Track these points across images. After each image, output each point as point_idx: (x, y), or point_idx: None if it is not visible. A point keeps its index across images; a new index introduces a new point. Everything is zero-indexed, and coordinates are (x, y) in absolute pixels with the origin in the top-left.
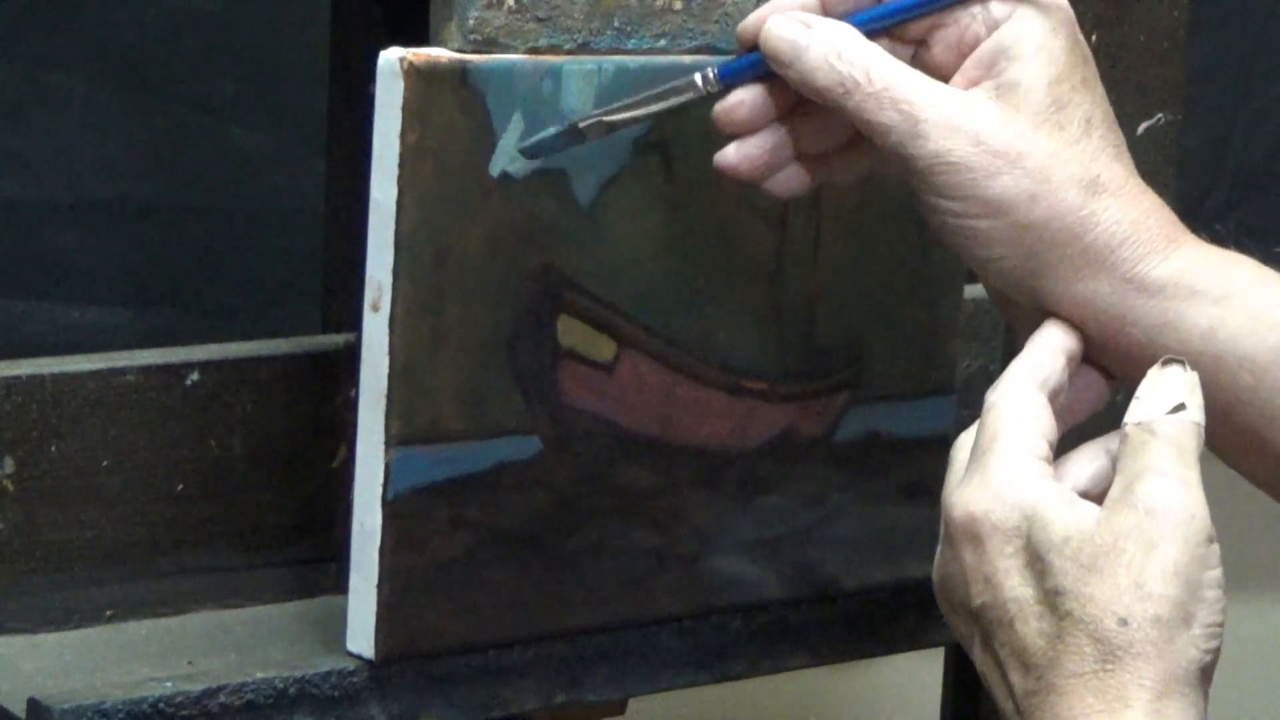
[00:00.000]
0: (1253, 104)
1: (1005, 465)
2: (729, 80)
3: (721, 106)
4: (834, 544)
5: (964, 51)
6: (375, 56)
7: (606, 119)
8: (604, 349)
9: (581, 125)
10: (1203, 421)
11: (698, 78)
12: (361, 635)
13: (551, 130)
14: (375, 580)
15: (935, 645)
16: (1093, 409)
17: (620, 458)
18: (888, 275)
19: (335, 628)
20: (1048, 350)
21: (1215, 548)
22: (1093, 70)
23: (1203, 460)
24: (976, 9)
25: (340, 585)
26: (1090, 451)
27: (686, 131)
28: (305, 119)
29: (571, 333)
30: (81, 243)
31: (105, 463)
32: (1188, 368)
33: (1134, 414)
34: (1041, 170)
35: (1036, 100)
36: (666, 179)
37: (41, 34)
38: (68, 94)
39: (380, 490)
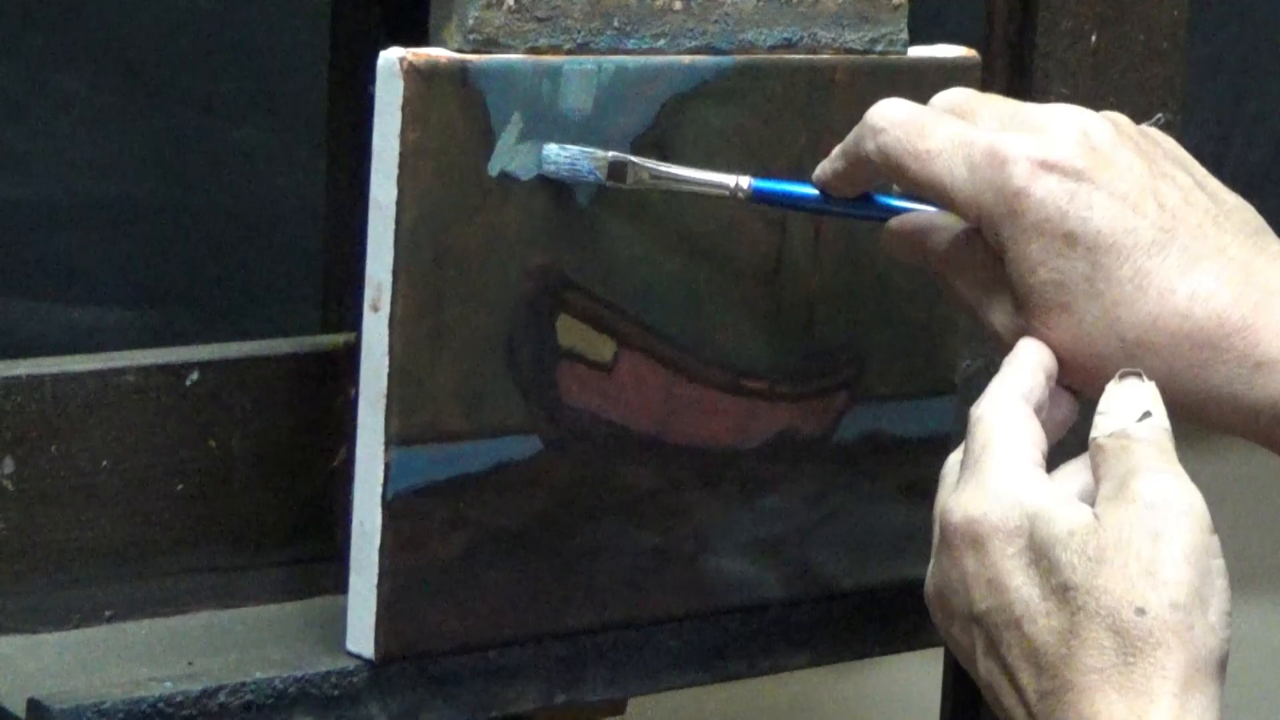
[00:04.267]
0: (1253, 104)
1: (1001, 468)
2: (762, 199)
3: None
4: (834, 544)
5: None
6: (375, 56)
7: (635, 161)
8: (604, 349)
9: (609, 187)
10: (1169, 427)
11: (730, 182)
12: (361, 635)
13: (583, 175)
14: (375, 580)
15: (935, 645)
16: (1065, 426)
17: (620, 458)
18: (888, 275)
19: (335, 628)
20: (1028, 367)
21: (1216, 539)
22: None
23: (1200, 460)
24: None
25: (340, 585)
26: (1073, 468)
27: (686, 131)
28: (305, 119)
29: (571, 332)
30: (81, 243)
31: (105, 463)
32: (1145, 378)
33: (1102, 427)
34: None
35: None
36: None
37: (41, 34)
38: (68, 94)
39: (380, 490)
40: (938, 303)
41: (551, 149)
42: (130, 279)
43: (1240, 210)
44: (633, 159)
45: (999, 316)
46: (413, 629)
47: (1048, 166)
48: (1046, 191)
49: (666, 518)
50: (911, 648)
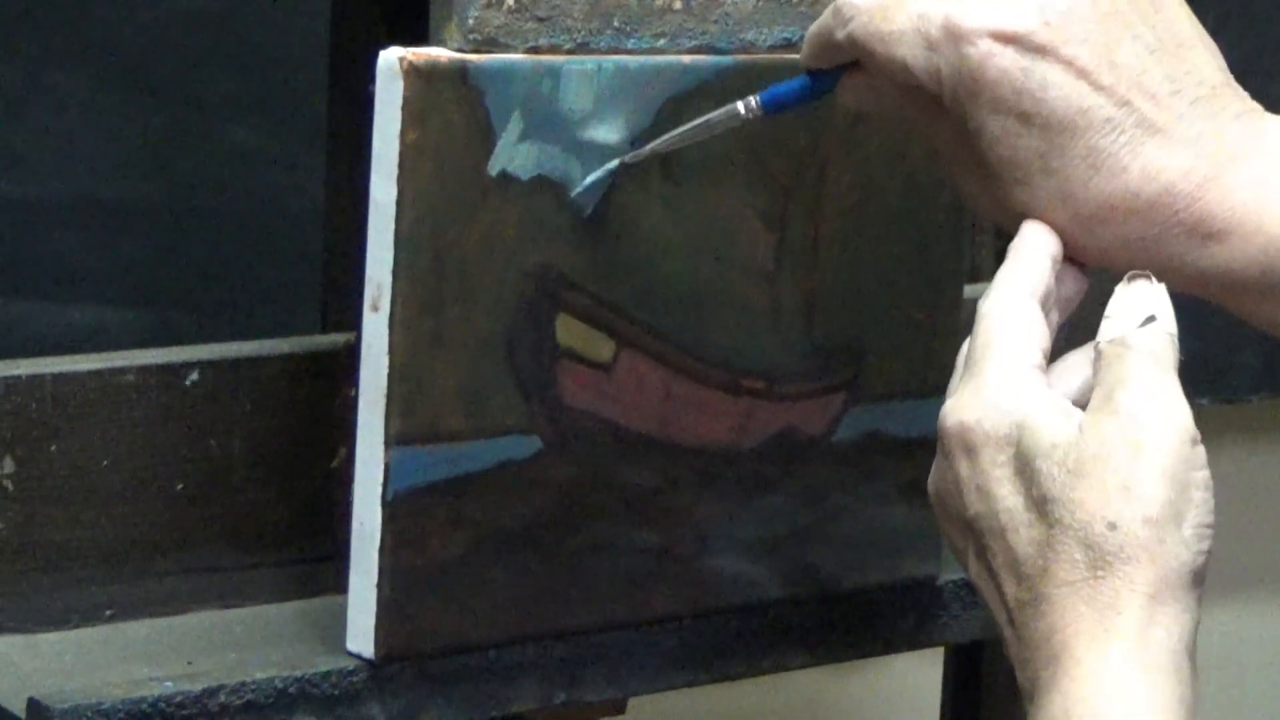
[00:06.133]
0: None
1: (998, 375)
2: (772, 106)
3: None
4: (834, 544)
5: None
6: (375, 56)
7: (655, 151)
8: (603, 349)
9: (630, 162)
10: (1175, 331)
11: (740, 107)
12: (361, 635)
13: (602, 173)
14: (375, 580)
15: (935, 645)
16: (1075, 301)
17: (620, 457)
18: (887, 275)
19: (335, 628)
20: (1035, 255)
21: (1201, 449)
22: None
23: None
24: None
25: (340, 585)
26: (1074, 359)
27: None
28: (305, 119)
29: (571, 332)
30: (81, 243)
31: (105, 463)
32: (1154, 280)
33: (1106, 332)
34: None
35: None
36: (666, 179)
37: (42, 34)
38: (68, 94)
39: (380, 490)
40: (938, 303)
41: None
42: (130, 279)
43: (1201, 68)
44: (648, 149)
45: (968, 183)
46: (413, 629)
47: (1004, 38)
48: (1001, 71)
49: (666, 517)
50: (911, 648)
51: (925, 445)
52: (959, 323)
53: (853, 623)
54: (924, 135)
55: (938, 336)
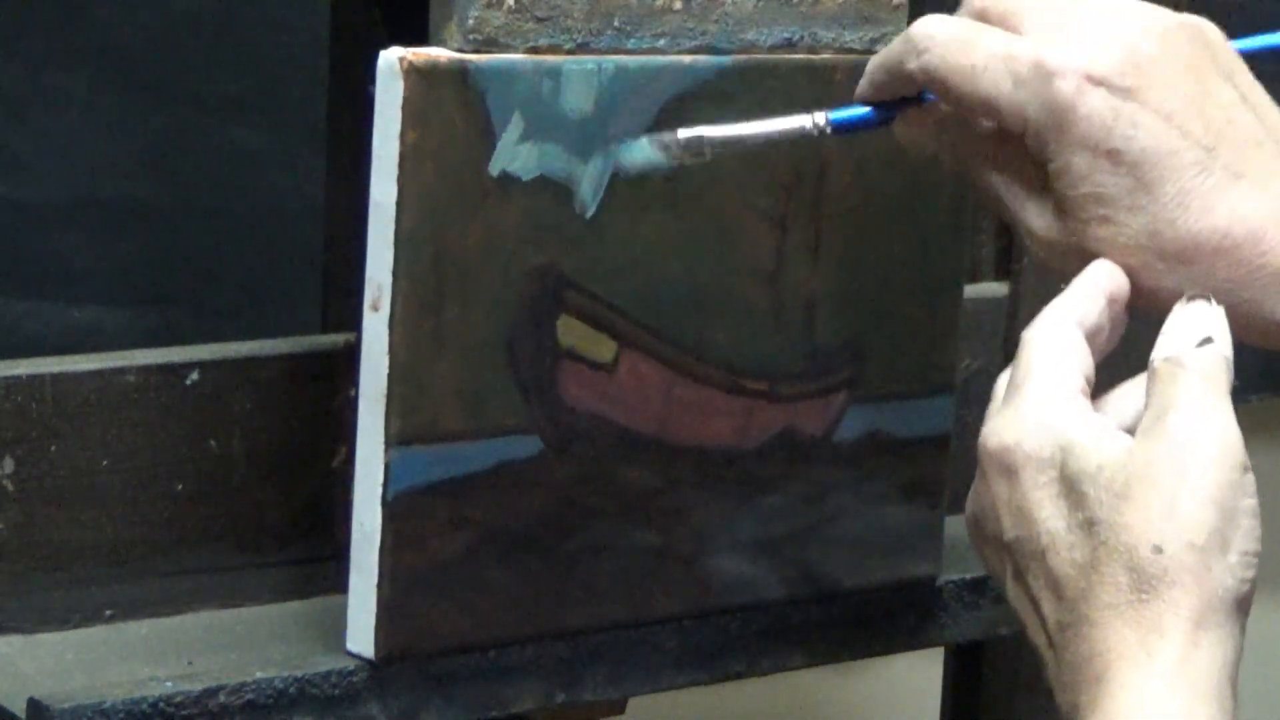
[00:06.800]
0: None
1: (1039, 397)
2: (842, 127)
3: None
4: (834, 544)
5: None
6: (375, 56)
7: (707, 135)
8: (604, 349)
9: (684, 138)
10: (1230, 355)
11: (809, 123)
12: (361, 635)
13: (653, 146)
14: (375, 580)
15: (935, 645)
16: (1113, 341)
17: (620, 458)
18: (887, 275)
19: (335, 628)
20: (1089, 289)
21: (1250, 477)
22: None
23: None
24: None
25: (340, 585)
26: (1129, 388)
27: None
28: (305, 119)
29: (571, 332)
30: (81, 243)
31: (105, 463)
32: (1213, 302)
33: (1161, 350)
34: None
35: None
36: (666, 179)
37: (41, 34)
38: (68, 94)
39: (380, 490)
40: (938, 303)
41: (629, 149)
42: (130, 279)
43: (1278, 126)
44: (704, 133)
45: (1036, 219)
46: (413, 629)
47: (1094, 80)
48: (1092, 108)
49: (666, 518)
50: (911, 648)
51: (925, 445)
52: (959, 323)
53: (853, 623)
54: (978, 176)
55: (938, 336)
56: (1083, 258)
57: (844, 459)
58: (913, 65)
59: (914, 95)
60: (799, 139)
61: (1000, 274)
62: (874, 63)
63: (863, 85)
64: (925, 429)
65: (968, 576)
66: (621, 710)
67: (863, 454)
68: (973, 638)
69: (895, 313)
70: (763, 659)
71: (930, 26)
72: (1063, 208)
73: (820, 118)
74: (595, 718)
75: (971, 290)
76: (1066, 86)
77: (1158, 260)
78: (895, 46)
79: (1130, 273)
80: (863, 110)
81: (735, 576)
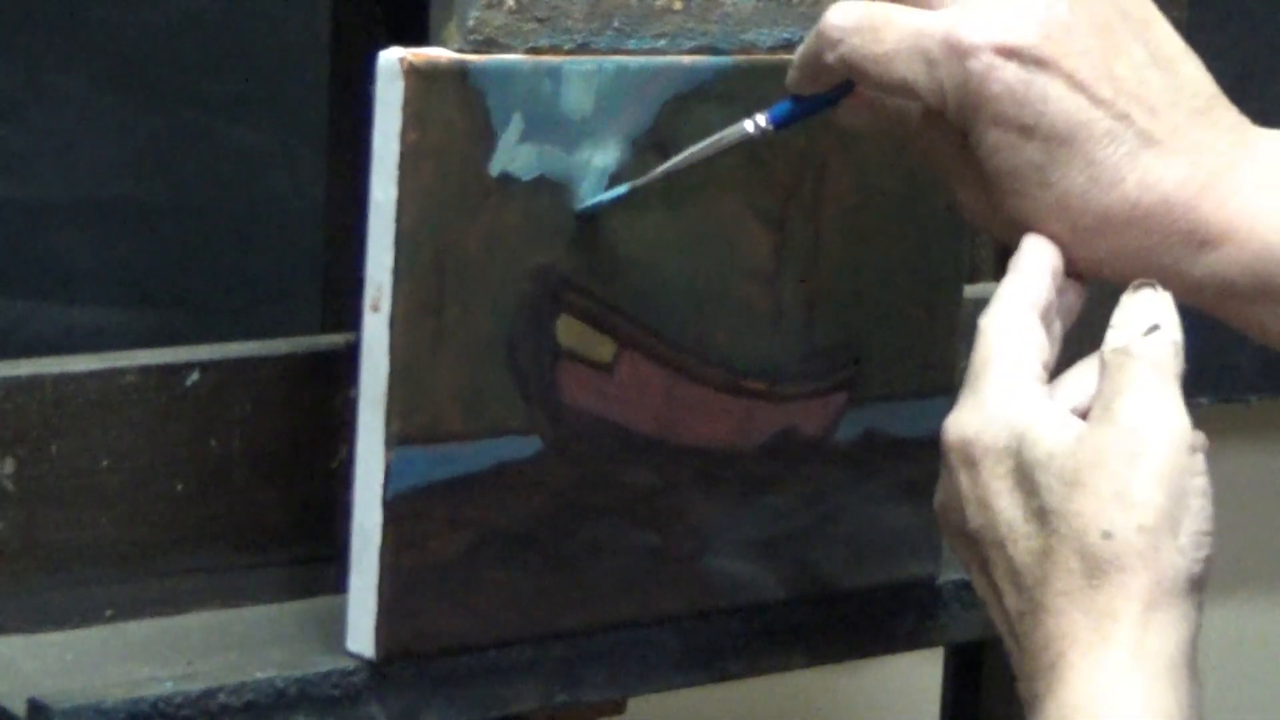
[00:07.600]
0: (1253, 104)
1: (997, 387)
2: (781, 123)
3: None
4: (834, 544)
5: None
6: (375, 56)
7: (665, 173)
8: (604, 349)
9: (640, 186)
10: (1179, 339)
11: (749, 126)
12: (361, 635)
13: (611, 195)
14: (375, 580)
15: (935, 645)
16: (1076, 309)
17: (620, 458)
18: (887, 275)
19: (335, 628)
20: (1034, 269)
21: (1199, 457)
22: None
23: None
24: None
25: (340, 585)
26: (1082, 370)
27: (686, 132)
28: (305, 119)
29: (571, 333)
30: (81, 243)
31: (105, 463)
32: (1159, 288)
33: (1110, 341)
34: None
35: None
36: (666, 179)
37: (41, 34)
38: (68, 94)
39: (380, 490)
40: (937, 303)
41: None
42: (130, 279)
43: (1193, 81)
44: (655, 172)
45: (964, 192)
46: (413, 629)
47: (1005, 53)
48: (1004, 84)
49: (666, 518)
50: (911, 648)
51: (925, 445)
52: (959, 323)
53: (853, 623)
54: (920, 150)
55: (938, 336)
56: (1012, 228)
57: (844, 459)
58: (829, 59)
59: (844, 82)
60: (744, 142)
61: (1000, 274)
62: (797, 56)
63: (791, 77)
64: (925, 429)
65: (967, 576)
66: (621, 710)
67: (862, 454)
68: (972, 638)
69: (895, 313)
70: (763, 659)
71: (838, 17)
72: (986, 181)
73: (761, 119)
74: (595, 718)
75: (971, 290)
76: (977, 65)
77: (1071, 234)
78: (811, 41)
79: (1057, 243)
80: (796, 106)
81: (735, 576)
